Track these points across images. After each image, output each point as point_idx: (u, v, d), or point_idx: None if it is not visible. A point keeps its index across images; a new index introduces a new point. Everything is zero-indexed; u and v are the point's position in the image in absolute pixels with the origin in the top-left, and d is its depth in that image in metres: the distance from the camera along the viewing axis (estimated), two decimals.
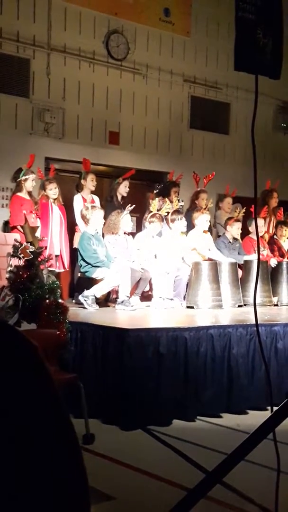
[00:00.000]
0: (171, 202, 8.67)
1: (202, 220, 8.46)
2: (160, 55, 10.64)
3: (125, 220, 7.82)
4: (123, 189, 8.86)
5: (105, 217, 8.10)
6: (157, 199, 8.48)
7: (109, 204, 8.67)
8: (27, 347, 1.04)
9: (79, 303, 7.40)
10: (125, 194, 8.86)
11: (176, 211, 8.38)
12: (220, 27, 11.05)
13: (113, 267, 7.30)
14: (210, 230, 9.06)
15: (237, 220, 8.85)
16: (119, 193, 8.85)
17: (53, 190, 8.13)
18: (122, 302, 7.10)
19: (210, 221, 8.84)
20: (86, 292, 7.18)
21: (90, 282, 7.41)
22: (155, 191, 9.81)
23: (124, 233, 7.94)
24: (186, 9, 10.84)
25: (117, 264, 7.36)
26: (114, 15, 9.97)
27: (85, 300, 7.09)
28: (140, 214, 9.15)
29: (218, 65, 11.21)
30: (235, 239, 8.84)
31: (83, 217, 7.79)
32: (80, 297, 7.18)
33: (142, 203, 8.64)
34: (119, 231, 7.80)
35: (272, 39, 2.51)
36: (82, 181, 8.51)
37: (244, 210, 9.06)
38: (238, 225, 8.81)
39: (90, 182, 8.48)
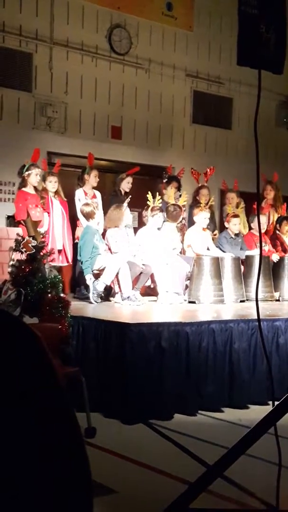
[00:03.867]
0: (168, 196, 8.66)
1: (201, 217, 8.45)
2: (162, 50, 10.62)
3: (124, 212, 7.80)
4: (126, 184, 8.85)
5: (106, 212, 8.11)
6: (151, 195, 8.43)
7: (114, 198, 8.67)
8: (30, 336, 1.05)
9: (80, 298, 7.39)
10: (127, 190, 8.85)
11: (174, 205, 8.36)
12: (222, 22, 11.02)
13: (109, 256, 7.32)
14: (214, 226, 9.01)
15: (235, 216, 8.79)
16: (122, 188, 8.85)
17: (52, 183, 8.11)
18: (128, 297, 7.09)
19: (210, 219, 8.80)
20: (97, 286, 7.13)
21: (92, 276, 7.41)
22: (164, 181, 9.69)
23: (126, 226, 7.94)
24: (188, 3, 10.82)
25: (116, 257, 7.37)
26: (116, 9, 9.96)
27: (93, 293, 7.07)
28: (141, 209, 9.14)
29: (220, 59, 11.19)
30: (237, 234, 8.80)
31: (86, 214, 7.73)
32: (91, 283, 7.12)
33: (144, 198, 8.62)
34: (119, 223, 7.78)
35: (275, 34, 2.51)
36: (86, 176, 8.49)
37: (243, 205, 9.00)
38: (235, 220, 8.71)
39: (93, 178, 8.47)
